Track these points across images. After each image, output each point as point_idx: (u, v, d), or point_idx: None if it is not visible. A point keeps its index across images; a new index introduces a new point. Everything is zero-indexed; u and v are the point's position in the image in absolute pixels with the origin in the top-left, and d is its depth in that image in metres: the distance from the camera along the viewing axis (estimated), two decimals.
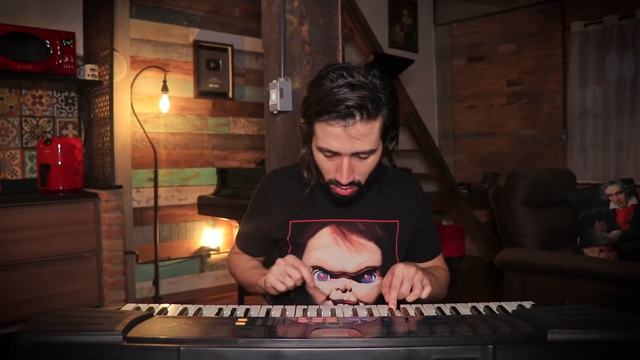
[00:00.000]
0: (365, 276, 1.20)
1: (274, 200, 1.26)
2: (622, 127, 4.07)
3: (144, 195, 3.53)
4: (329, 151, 1.06)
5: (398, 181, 1.27)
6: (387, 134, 1.09)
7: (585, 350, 0.71)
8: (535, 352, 0.70)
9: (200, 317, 0.86)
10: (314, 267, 1.20)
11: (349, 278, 1.19)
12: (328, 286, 1.20)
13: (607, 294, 2.17)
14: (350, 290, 1.19)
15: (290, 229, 1.22)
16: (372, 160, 1.09)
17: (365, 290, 1.20)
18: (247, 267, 1.30)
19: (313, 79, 1.09)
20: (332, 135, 1.03)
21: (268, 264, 1.31)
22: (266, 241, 1.32)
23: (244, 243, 1.37)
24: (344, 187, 1.10)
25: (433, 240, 1.32)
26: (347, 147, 1.04)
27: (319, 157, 1.10)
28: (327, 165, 1.10)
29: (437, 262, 1.33)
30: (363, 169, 1.09)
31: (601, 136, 4.19)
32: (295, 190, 1.22)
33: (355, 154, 1.06)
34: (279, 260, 1.06)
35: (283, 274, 1.03)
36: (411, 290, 0.99)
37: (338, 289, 1.19)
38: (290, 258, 1.06)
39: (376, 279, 1.20)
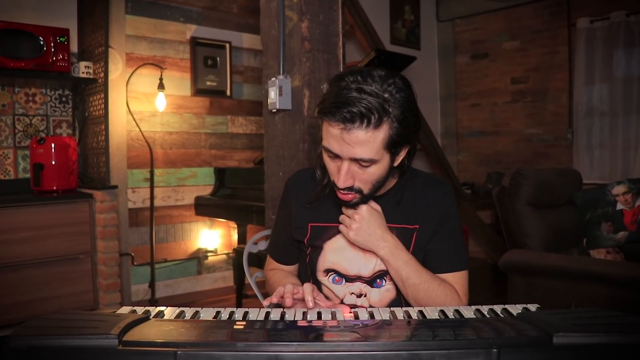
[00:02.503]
0: (377, 280, 1.20)
1: (294, 201, 1.27)
2: (630, 126, 4.02)
3: (140, 196, 3.50)
4: (331, 152, 1.06)
5: (425, 186, 1.23)
6: (396, 148, 1.07)
7: (591, 354, 0.70)
8: (540, 356, 0.70)
9: (197, 320, 0.86)
10: (329, 270, 1.21)
11: (364, 283, 1.19)
12: (342, 290, 1.20)
13: (614, 297, 2.14)
14: (365, 296, 1.19)
15: (309, 231, 1.23)
16: (375, 170, 1.07)
17: (377, 296, 1.20)
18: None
19: (334, 77, 1.09)
20: (332, 136, 1.04)
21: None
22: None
23: (276, 253, 1.36)
24: (342, 192, 1.09)
25: (452, 254, 1.19)
26: (345, 151, 1.03)
27: (325, 157, 1.11)
28: (330, 166, 1.11)
29: (451, 280, 1.18)
30: (364, 177, 1.08)
31: (608, 135, 4.14)
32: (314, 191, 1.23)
33: (355, 161, 1.05)
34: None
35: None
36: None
37: (352, 293, 1.19)
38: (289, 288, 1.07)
39: (387, 284, 1.20)
